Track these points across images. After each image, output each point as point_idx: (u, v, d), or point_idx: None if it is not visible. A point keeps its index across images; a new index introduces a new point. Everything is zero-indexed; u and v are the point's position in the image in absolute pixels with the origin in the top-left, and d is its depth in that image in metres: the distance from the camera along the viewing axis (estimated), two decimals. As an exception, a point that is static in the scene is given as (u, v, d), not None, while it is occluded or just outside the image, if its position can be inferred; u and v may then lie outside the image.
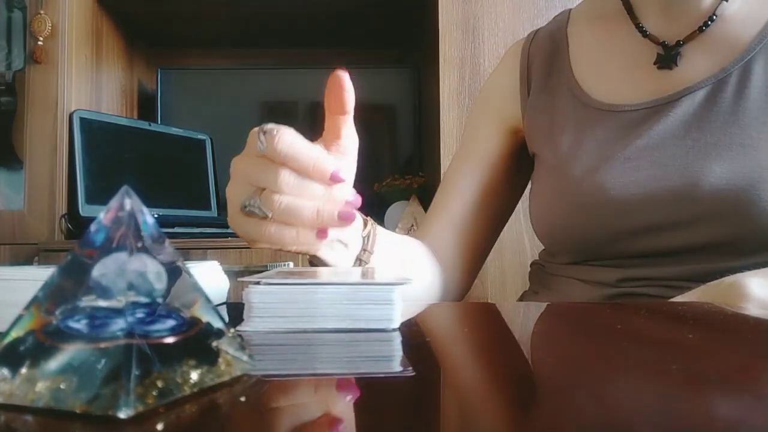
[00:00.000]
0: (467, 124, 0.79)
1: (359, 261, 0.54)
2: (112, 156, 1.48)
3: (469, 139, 0.76)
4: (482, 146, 0.74)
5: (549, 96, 0.70)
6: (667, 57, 0.63)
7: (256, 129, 0.42)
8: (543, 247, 0.74)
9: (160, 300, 0.22)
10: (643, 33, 0.65)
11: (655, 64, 0.64)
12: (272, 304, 0.34)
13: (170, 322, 0.22)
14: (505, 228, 0.78)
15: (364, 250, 0.54)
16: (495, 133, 0.74)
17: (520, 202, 0.79)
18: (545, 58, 0.72)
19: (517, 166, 0.75)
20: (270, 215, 0.41)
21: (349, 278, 0.37)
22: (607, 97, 0.66)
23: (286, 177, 0.41)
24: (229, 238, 1.39)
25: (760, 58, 0.59)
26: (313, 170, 0.41)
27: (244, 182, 0.43)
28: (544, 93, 0.71)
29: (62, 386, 0.19)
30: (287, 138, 0.41)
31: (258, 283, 0.34)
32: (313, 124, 1.78)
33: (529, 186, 0.76)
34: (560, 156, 0.66)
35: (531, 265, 0.78)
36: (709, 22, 0.62)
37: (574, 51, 0.71)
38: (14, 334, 0.21)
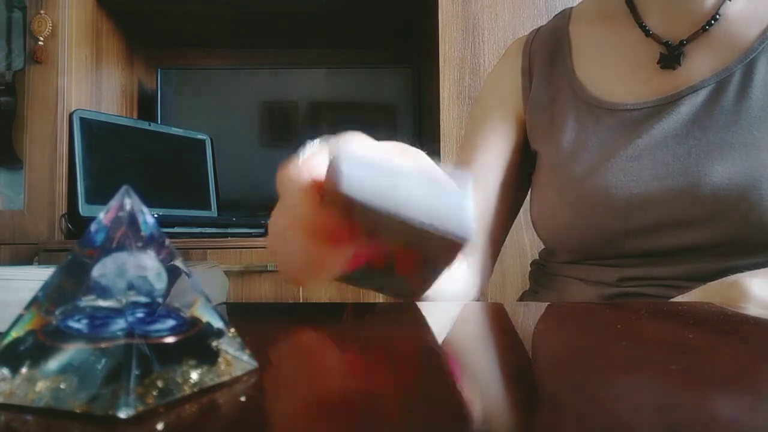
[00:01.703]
0: (471, 117, 0.77)
1: None
2: (112, 156, 1.48)
3: (477, 130, 0.73)
4: (495, 134, 0.72)
5: (550, 93, 0.70)
6: (671, 57, 0.63)
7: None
8: (543, 247, 0.74)
9: (160, 300, 0.22)
10: (646, 32, 0.65)
11: (658, 63, 0.64)
12: (360, 172, 0.31)
13: (170, 322, 0.22)
14: (505, 228, 0.78)
15: None
16: (506, 120, 0.72)
17: (519, 202, 0.78)
18: (547, 55, 0.72)
19: (525, 158, 0.73)
20: None
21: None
22: (609, 95, 0.66)
23: None
24: (229, 238, 1.39)
25: (763, 58, 0.59)
26: None
27: None
28: (545, 90, 0.70)
29: (62, 386, 0.19)
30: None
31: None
32: (313, 124, 1.79)
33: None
34: (561, 154, 0.66)
35: (531, 265, 0.78)
36: (713, 22, 0.62)
37: (576, 49, 0.71)
38: (14, 334, 0.21)
